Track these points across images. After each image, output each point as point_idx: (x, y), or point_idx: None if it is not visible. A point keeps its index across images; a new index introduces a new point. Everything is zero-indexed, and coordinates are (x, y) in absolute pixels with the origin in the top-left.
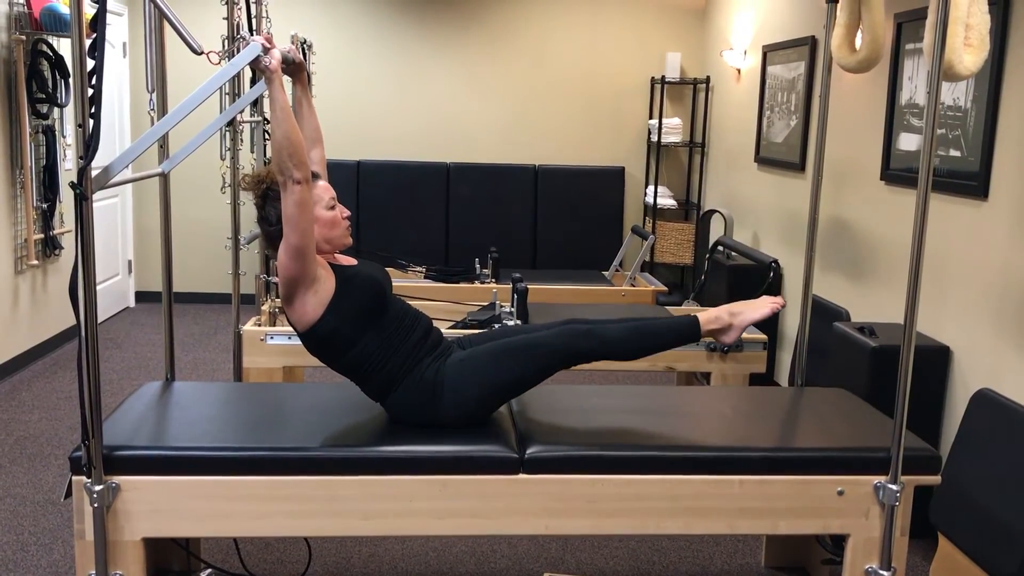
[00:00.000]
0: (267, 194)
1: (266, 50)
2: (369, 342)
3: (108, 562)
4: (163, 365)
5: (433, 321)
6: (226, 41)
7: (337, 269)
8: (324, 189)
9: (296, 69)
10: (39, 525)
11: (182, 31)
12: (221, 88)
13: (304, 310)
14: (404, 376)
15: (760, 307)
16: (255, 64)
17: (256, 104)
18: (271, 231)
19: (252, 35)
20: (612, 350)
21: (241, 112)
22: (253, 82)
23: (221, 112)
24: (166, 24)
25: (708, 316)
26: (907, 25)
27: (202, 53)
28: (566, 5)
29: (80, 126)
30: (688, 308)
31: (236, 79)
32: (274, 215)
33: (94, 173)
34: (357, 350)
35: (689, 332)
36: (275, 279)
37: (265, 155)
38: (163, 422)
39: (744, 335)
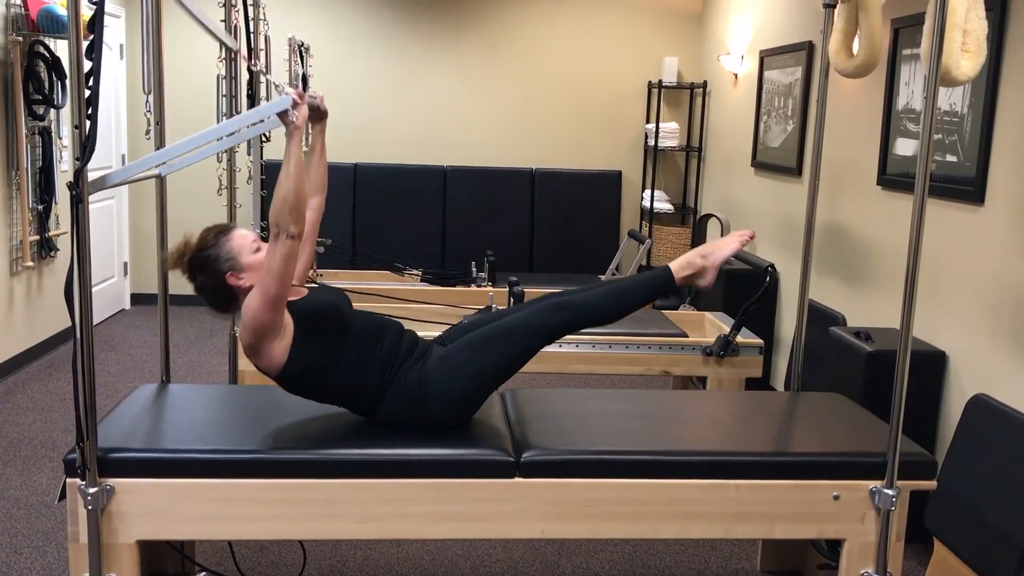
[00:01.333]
0: (192, 264)
1: (295, 105)
2: (343, 364)
3: (102, 565)
4: (158, 367)
5: (405, 324)
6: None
7: (290, 305)
8: (243, 236)
9: (320, 116)
10: (33, 528)
11: (215, 32)
12: (218, 91)
13: (272, 356)
14: (387, 386)
15: (729, 243)
16: (281, 116)
17: (252, 104)
18: (212, 298)
19: (287, 88)
20: (591, 316)
21: (238, 114)
22: (250, 92)
23: (218, 117)
24: (164, 26)
25: (680, 263)
26: (904, 30)
27: (238, 53)
28: (563, 9)
29: (77, 127)
30: (684, 312)
31: (233, 89)
32: (209, 284)
33: (91, 176)
34: (334, 375)
35: (664, 283)
36: None
37: (261, 156)
38: (158, 424)
39: (740, 339)
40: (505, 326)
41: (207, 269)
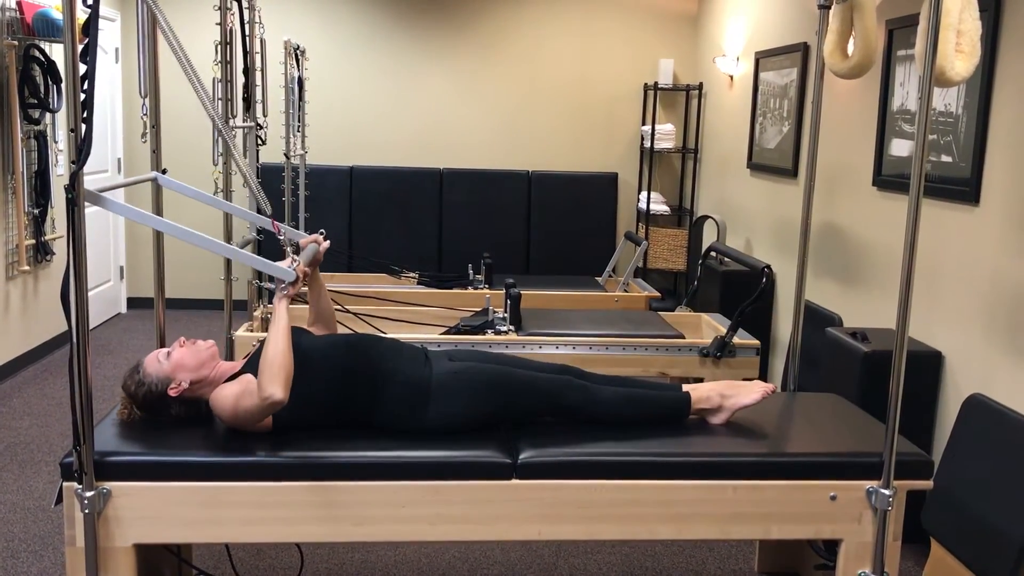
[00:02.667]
0: (144, 408)
1: (295, 279)
2: (325, 395)
3: (99, 569)
4: None
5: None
6: (219, 46)
7: (249, 370)
8: (150, 359)
9: (315, 263)
10: (29, 532)
11: (258, 195)
12: (214, 94)
13: (259, 426)
14: (380, 392)
15: (751, 392)
16: (278, 283)
17: (249, 109)
18: (185, 414)
19: (302, 263)
20: (598, 411)
21: (234, 117)
22: (246, 95)
23: (213, 118)
24: (159, 30)
25: (700, 395)
26: (899, 31)
27: (271, 221)
28: (559, 12)
29: (72, 131)
30: (681, 314)
31: (228, 86)
32: (168, 410)
33: (87, 179)
34: (322, 406)
35: (679, 408)
36: (267, 284)
37: (257, 159)
38: (154, 428)
39: (736, 340)
40: (528, 380)
41: (154, 403)
